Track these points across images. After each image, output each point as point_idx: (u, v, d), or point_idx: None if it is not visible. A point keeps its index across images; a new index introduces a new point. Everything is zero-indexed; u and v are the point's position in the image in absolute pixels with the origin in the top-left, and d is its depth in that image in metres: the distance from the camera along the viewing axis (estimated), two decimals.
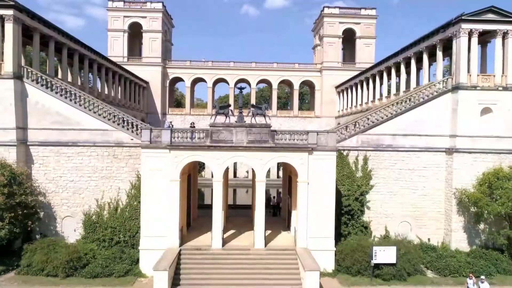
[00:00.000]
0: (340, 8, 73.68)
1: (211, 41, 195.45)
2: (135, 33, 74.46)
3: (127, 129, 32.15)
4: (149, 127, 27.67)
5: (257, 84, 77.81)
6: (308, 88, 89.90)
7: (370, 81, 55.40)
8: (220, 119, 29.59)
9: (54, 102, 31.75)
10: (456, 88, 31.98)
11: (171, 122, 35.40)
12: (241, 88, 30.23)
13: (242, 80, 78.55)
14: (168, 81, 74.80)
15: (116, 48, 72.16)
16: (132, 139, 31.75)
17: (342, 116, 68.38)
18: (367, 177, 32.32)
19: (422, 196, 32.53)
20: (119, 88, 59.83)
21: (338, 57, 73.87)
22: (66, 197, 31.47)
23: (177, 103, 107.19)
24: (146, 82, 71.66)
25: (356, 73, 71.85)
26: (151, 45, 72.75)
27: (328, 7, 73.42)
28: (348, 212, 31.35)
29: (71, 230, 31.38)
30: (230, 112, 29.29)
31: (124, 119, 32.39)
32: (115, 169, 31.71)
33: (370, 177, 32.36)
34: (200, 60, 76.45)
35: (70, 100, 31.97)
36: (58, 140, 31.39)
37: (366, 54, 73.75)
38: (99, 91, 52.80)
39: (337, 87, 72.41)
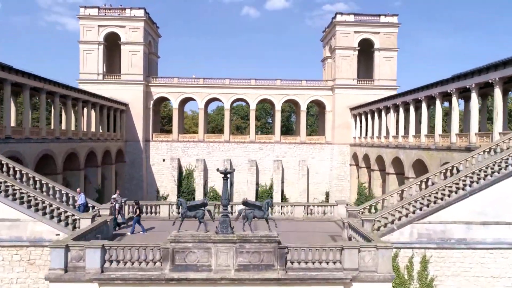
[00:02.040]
0: (355, 15, 62.02)
1: (210, 43, 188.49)
2: (113, 45, 63.02)
3: (51, 217, 20.54)
4: (62, 243, 15.82)
5: (257, 104, 66.16)
6: (315, 106, 77.89)
7: (401, 110, 43.68)
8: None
9: None
10: None
11: (115, 198, 23.07)
12: (226, 173, 17.39)
13: (239, 100, 67.13)
14: (152, 102, 63.21)
15: (89, 64, 60.69)
16: (58, 234, 20.16)
17: (360, 145, 56.68)
18: None
19: None
20: (89, 118, 48.29)
21: (353, 73, 62.19)
22: None
23: (169, 119, 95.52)
24: (125, 105, 60.12)
25: (374, 92, 60.84)
26: (131, 59, 61.20)
27: (342, 13, 61.78)
28: None
29: None
30: (206, 215, 17.32)
31: (45, 201, 20.71)
32: (32, 283, 20.14)
33: None
34: (190, 77, 64.84)
35: None
36: None
37: (387, 69, 62.11)
38: (58, 127, 41.32)
39: (352, 108, 60.73)
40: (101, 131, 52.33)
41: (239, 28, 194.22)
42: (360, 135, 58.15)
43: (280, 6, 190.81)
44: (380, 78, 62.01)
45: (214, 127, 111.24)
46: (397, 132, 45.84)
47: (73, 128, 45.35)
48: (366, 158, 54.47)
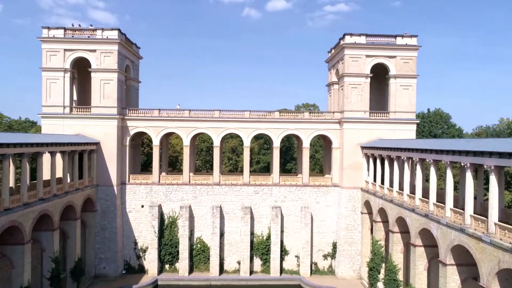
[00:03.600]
0: (367, 35, 52.62)
1: (210, 44, 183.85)
2: (86, 72, 53.79)
3: None
4: None
5: (252, 140, 56.71)
6: (320, 139, 67.76)
7: (432, 169, 34.14)
8: None
9: None
10: None
11: None
12: None
13: (230, 135, 57.83)
14: (128, 138, 53.86)
15: (54, 95, 51.46)
16: None
17: (374, 194, 47.24)
18: None
19: None
20: (40, 173, 38.96)
21: (365, 104, 52.82)
22: None
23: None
24: (96, 143, 50.84)
25: (390, 126, 52.81)
26: (103, 89, 51.91)
27: (351, 34, 52.35)
28: None
29: None
30: None
31: None
32: None
33: None
34: (174, 108, 55.55)
35: None
36: None
37: (404, 99, 52.75)
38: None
39: (364, 147, 51.38)
40: (59, 184, 42.95)
41: (239, 29, 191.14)
42: (374, 180, 48.78)
43: (281, 7, 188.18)
44: (396, 111, 52.66)
45: (209, 147, 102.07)
46: (426, 193, 36.29)
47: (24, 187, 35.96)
48: (382, 212, 45.15)
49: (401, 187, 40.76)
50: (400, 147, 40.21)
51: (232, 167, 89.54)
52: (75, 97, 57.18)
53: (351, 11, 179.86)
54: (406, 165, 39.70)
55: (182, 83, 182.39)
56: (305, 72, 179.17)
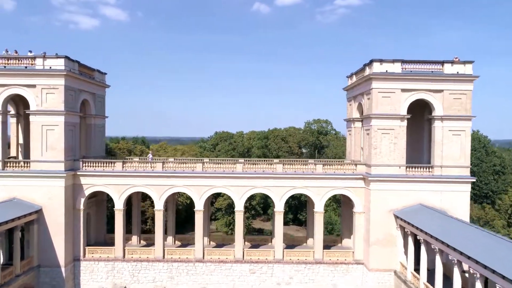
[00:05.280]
0: (403, 62, 38.32)
1: (219, 40, 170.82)
2: (27, 114, 40.75)
3: None
4: None
5: (246, 202, 42.84)
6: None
7: None
8: None
9: None
10: None
11: None
12: None
13: (218, 195, 44.13)
14: (82, 200, 40.63)
15: None
16: None
17: None
18: None
19: None
20: None
21: (400, 157, 38.68)
22: None
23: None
24: (36, 211, 37.73)
25: (435, 187, 38.63)
26: (46, 138, 38.64)
27: (381, 61, 38.06)
28: None
29: None
30: None
31: None
32: None
33: None
34: (143, 160, 42.12)
35: None
36: None
37: (454, 149, 38.40)
38: None
39: (399, 217, 37.28)
40: None
41: (249, 24, 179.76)
42: (417, 266, 34.72)
43: (290, 1, 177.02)
44: (443, 165, 38.35)
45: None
46: None
47: None
48: None
49: None
50: (465, 253, 25.95)
51: (227, 205, 74.71)
52: (21, 141, 44.78)
53: (362, 5, 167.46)
54: (478, 282, 25.51)
55: (192, 78, 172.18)
56: (315, 68, 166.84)
